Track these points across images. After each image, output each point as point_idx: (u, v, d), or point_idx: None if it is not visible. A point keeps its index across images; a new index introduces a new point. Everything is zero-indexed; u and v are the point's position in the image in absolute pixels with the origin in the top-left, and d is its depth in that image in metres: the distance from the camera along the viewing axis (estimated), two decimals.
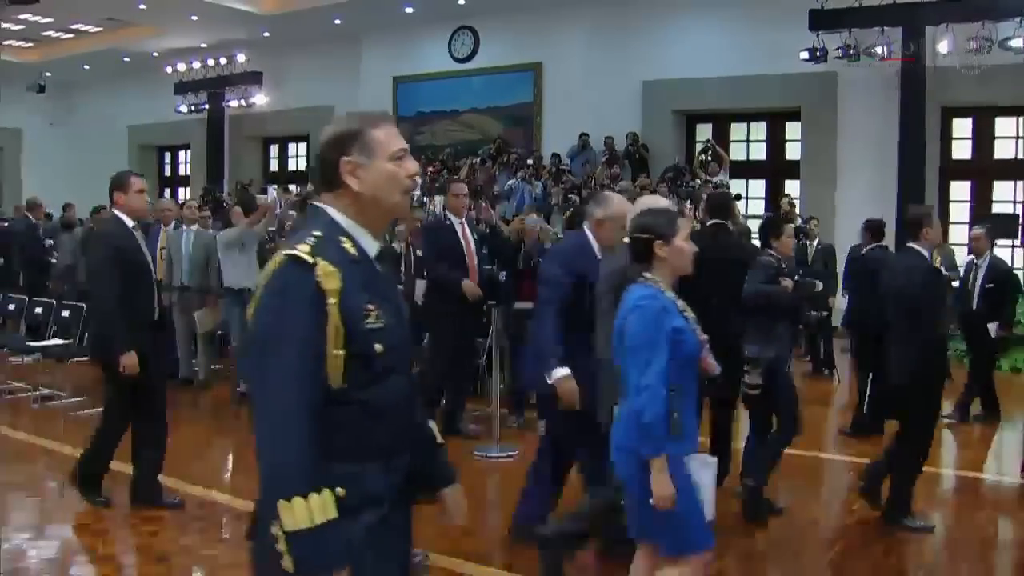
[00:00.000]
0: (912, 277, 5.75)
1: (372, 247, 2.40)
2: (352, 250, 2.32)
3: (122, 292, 5.66)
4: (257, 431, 2.17)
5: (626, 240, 3.81)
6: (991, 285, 9.10)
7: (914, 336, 5.66)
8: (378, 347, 2.27)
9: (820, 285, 6.85)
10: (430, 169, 18.40)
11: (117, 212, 5.85)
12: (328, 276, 2.21)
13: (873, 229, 8.84)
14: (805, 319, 6.85)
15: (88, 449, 6.01)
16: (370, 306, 2.27)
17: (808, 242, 12.08)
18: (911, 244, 5.87)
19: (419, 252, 8.96)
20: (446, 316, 7.88)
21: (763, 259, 6.19)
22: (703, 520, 3.57)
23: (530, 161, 17.43)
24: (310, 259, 2.21)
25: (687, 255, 3.72)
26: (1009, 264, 10.58)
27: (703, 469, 3.61)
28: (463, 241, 8.00)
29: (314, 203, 2.43)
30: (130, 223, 5.85)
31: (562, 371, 4.74)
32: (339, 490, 2.18)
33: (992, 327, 9.01)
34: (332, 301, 2.20)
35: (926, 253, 5.78)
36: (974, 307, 9.24)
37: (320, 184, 2.45)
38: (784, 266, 6.15)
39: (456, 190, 8.34)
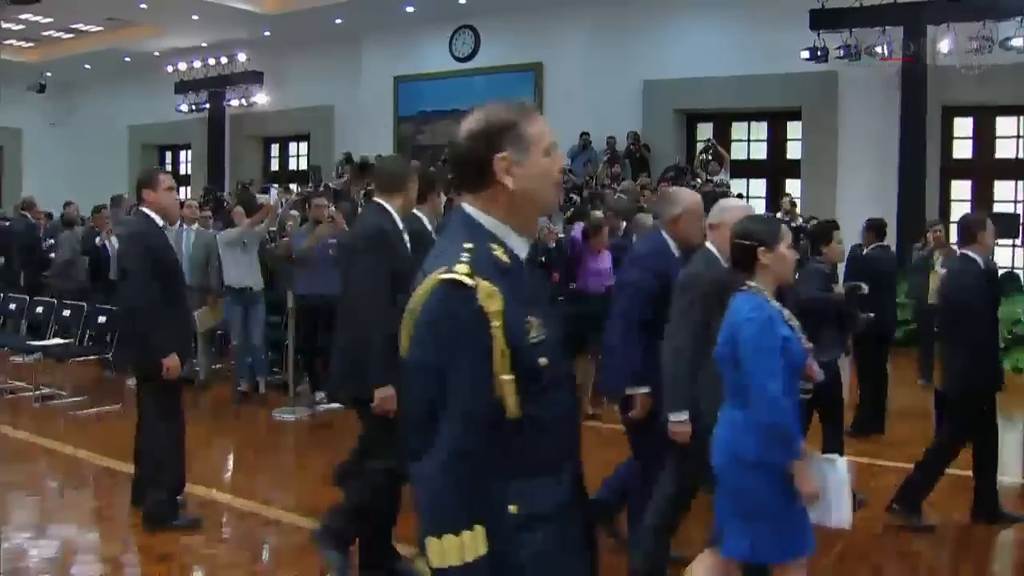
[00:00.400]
0: (964, 282, 5.80)
1: (523, 249, 2.22)
2: (504, 257, 2.13)
3: (157, 292, 5.51)
4: (420, 464, 2.05)
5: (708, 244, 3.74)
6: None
7: (966, 342, 5.72)
8: (543, 361, 2.12)
9: (866, 288, 6.88)
10: (431, 169, 18.37)
11: (146, 210, 5.64)
12: (490, 298, 2.03)
13: (876, 229, 8.83)
14: (859, 324, 6.87)
15: (150, 474, 5.67)
16: (530, 318, 2.11)
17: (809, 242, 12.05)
18: (965, 250, 5.92)
19: None
20: None
21: (815, 266, 6.26)
22: (807, 524, 3.60)
23: None
24: (470, 281, 2.03)
25: (790, 263, 3.70)
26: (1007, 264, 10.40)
27: (831, 470, 3.64)
28: None
29: (461, 206, 2.23)
30: (160, 221, 5.66)
31: (644, 389, 4.60)
32: (511, 507, 2.09)
33: None
34: (496, 324, 2.03)
35: (980, 260, 5.82)
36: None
37: (462, 184, 2.23)
38: (835, 272, 6.19)
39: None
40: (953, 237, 10.12)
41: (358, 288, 4.53)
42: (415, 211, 4.94)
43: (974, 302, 5.72)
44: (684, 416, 4.25)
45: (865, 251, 8.90)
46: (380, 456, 4.59)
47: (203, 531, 5.57)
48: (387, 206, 4.67)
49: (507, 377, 2.05)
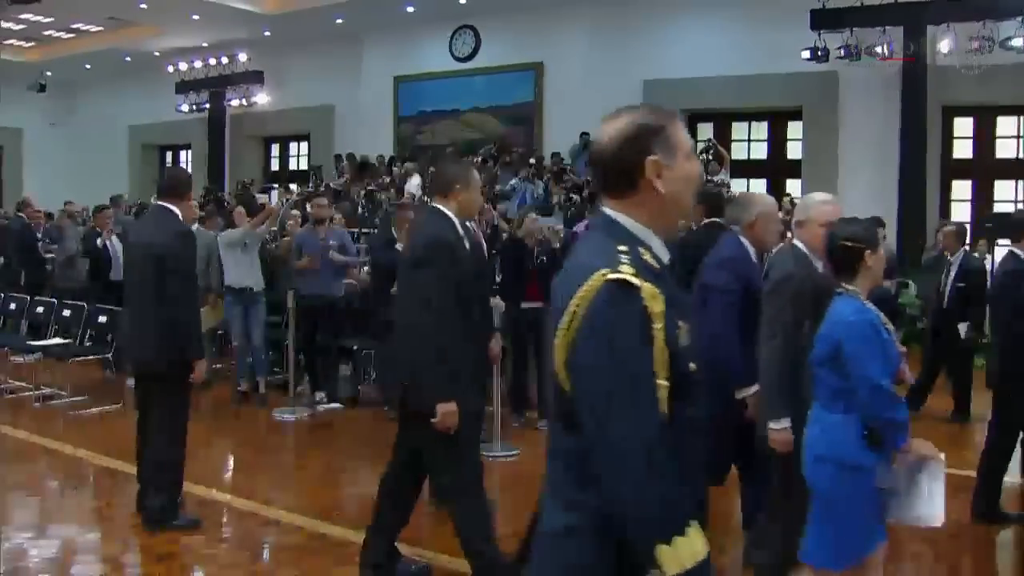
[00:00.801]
0: (1014, 280, 5.82)
1: (665, 254, 2.17)
2: (653, 261, 2.10)
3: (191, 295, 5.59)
4: (613, 475, 1.99)
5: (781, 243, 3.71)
6: (962, 284, 8.87)
7: (1014, 338, 5.76)
8: (692, 366, 2.10)
9: (912, 285, 6.95)
10: (431, 168, 18.38)
11: (176, 212, 5.62)
12: (654, 299, 2.00)
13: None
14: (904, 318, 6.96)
15: (150, 474, 5.68)
16: (680, 323, 2.09)
17: None
18: (1013, 248, 5.98)
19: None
20: None
21: None
22: (877, 521, 3.66)
23: (532, 161, 17.42)
24: (637, 281, 1.99)
25: (883, 264, 3.75)
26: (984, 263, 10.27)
27: (930, 466, 3.66)
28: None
29: (605, 211, 2.19)
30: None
31: (754, 388, 4.50)
32: None
33: (962, 327, 8.78)
34: (658, 326, 2.00)
35: None
36: (945, 306, 9.01)
37: (605, 187, 2.19)
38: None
39: None
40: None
41: (419, 301, 4.33)
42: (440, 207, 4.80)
43: (1021, 298, 5.77)
44: (786, 423, 4.12)
45: None
46: (443, 472, 4.55)
47: (203, 531, 5.58)
48: (446, 210, 4.49)
49: (663, 381, 2.02)
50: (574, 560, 2.10)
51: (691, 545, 1.96)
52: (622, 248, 2.06)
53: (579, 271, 2.06)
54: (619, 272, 2.00)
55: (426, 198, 12.66)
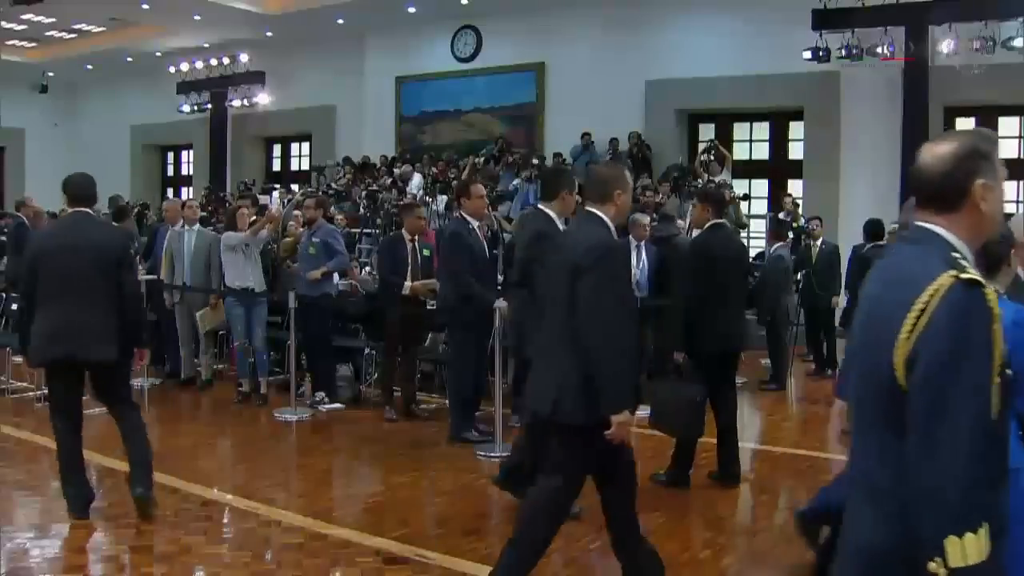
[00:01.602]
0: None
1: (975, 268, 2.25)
2: (975, 274, 2.17)
3: None
4: (937, 460, 2.04)
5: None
6: None
7: None
8: (1008, 371, 2.15)
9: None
10: (434, 169, 18.42)
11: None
12: (995, 300, 2.11)
13: (870, 230, 8.81)
14: None
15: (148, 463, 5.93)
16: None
17: (812, 242, 12.08)
18: None
19: (426, 252, 8.88)
20: (472, 325, 7.72)
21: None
22: None
23: (535, 161, 17.42)
24: (984, 283, 2.11)
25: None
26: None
27: None
28: (483, 245, 7.99)
29: (926, 226, 2.29)
30: None
31: None
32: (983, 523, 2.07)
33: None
34: (997, 327, 2.10)
35: None
36: None
37: (929, 203, 2.30)
38: None
39: (477, 192, 8.12)
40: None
41: (591, 308, 4.10)
42: (544, 207, 4.68)
43: None
44: None
45: (864, 250, 8.92)
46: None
47: (204, 531, 5.59)
48: (603, 216, 4.35)
49: (997, 380, 2.09)
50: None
51: (978, 545, 2.01)
52: (956, 255, 2.19)
53: (909, 278, 2.19)
54: (968, 273, 2.12)
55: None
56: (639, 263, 9.48)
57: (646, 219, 10.01)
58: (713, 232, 6.68)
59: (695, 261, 6.75)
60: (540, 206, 6.06)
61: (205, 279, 9.91)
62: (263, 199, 16.38)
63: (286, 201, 9.82)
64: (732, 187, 15.46)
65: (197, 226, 10.29)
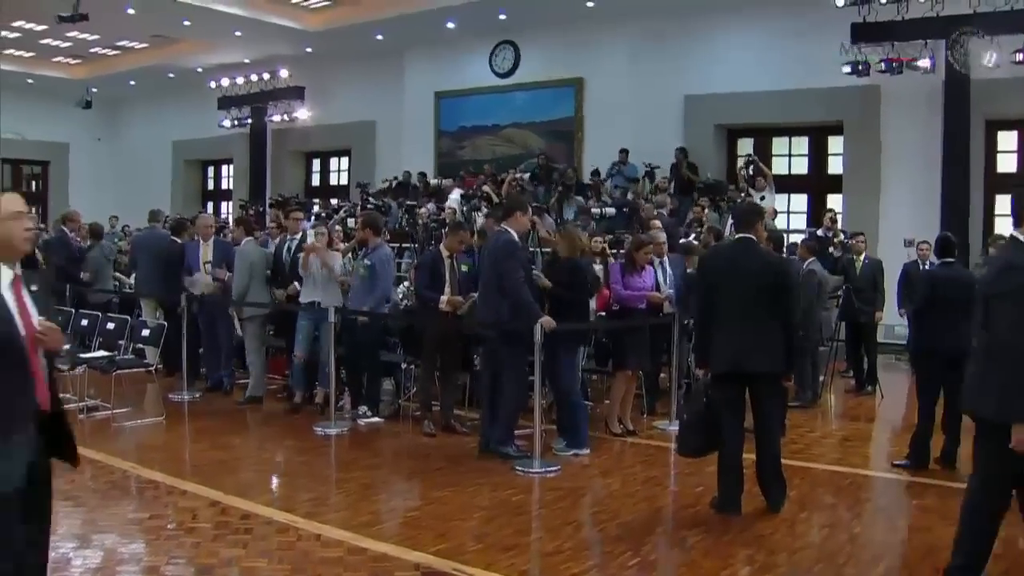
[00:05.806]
0: None
1: None
2: None
3: None
4: None
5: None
6: None
7: None
8: None
9: None
10: (473, 184, 18.41)
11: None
12: None
13: (940, 246, 8.56)
14: None
15: None
16: None
17: (855, 257, 12.00)
18: None
19: (464, 268, 8.91)
20: (523, 338, 7.66)
21: None
22: None
23: (571, 175, 17.41)
24: None
25: None
26: None
27: None
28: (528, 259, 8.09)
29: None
30: None
31: None
32: None
33: None
34: None
35: None
36: None
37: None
38: None
39: (529, 211, 8.38)
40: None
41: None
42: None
43: None
44: None
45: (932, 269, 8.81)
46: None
47: (245, 544, 5.62)
48: None
49: None
50: None
51: None
52: None
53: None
54: None
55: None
56: (666, 278, 9.39)
57: (663, 236, 9.97)
58: (733, 245, 6.68)
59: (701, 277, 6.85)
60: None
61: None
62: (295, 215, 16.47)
63: (319, 235, 9.96)
64: (774, 202, 15.26)
65: (245, 240, 10.50)
